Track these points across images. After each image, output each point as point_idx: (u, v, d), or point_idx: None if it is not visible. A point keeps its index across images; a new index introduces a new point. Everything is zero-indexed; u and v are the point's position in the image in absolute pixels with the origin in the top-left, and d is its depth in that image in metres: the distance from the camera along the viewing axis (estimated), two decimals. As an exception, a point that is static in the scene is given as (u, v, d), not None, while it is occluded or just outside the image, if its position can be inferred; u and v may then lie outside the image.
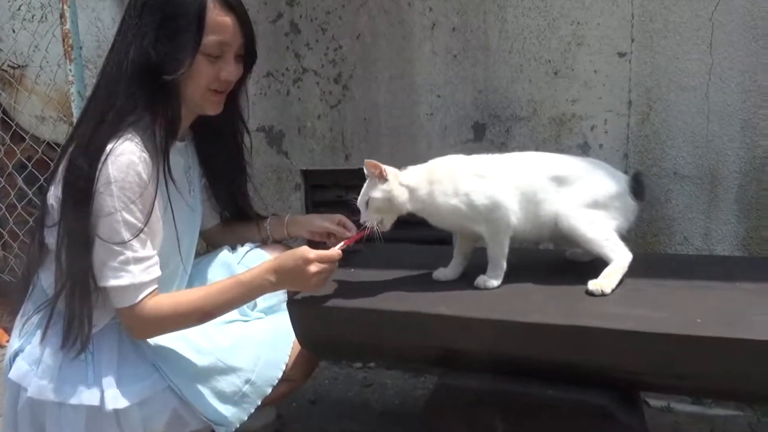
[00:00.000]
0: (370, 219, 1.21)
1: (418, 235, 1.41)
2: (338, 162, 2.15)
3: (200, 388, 1.23)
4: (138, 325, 1.18)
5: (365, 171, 1.23)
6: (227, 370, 1.25)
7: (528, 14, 1.84)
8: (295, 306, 1.25)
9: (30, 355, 1.19)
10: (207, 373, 1.23)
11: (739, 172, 1.72)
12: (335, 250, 1.20)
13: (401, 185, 1.21)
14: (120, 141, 1.11)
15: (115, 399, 1.15)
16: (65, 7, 1.85)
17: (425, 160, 1.30)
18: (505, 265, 1.23)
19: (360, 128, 2.10)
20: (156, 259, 1.18)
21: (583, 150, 1.85)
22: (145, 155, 1.14)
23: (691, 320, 1.01)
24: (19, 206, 2.56)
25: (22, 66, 2.58)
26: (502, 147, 1.92)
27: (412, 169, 1.25)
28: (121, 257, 1.12)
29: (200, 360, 1.23)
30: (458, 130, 1.98)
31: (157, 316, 1.16)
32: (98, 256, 1.12)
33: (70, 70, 1.89)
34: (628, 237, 1.24)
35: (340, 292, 1.27)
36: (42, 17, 2.51)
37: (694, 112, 1.73)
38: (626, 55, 1.77)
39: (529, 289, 1.22)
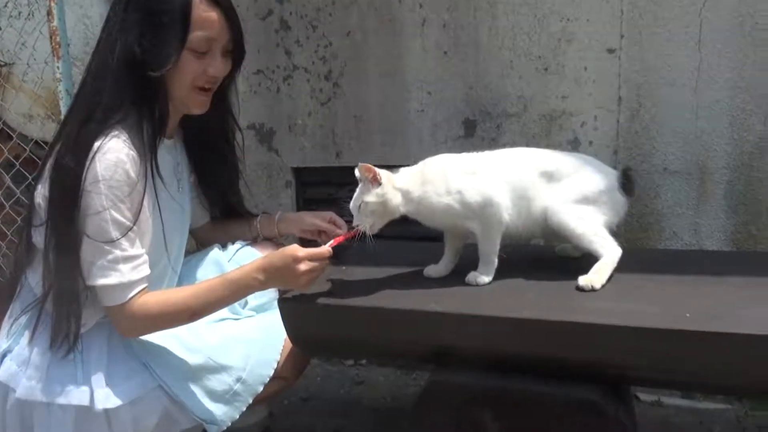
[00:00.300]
0: (363, 222, 1.20)
1: (409, 232, 1.41)
2: (329, 159, 2.14)
3: (191, 386, 1.22)
4: (127, 324, 1.17)
5: (357, 174, 1.22)
6: (218, 369, 1.24)
7: (518, 10, 1.85)
8: (286, 304, 1.24)
9: (18, 356, 1.18)
10: (198, 372, 1.23)
11: (728, 168, 1.73)
12: (325, 248, 1.19)
13: (395, 188, 1.21)
14: (107, 138, 1.10)
15: (104, 398, 1.15)
16: (52, 3, 1.82)
17: (416, 157, 1.29)
18: (496, 261, 1.23)
19: (351, 125, 2.09)
20: (145, 257, 1.17)
21: (573, 146, 1.85)
22: (133, 153, 1.13)
23: (680, 315, 1.01)
24: (6, 205, 2.53)
25: (9, 64, 2.55)
26: (493, 143, 1.92)
27: (404, 172, 1.25)
28: (110, 256, 1.11)
29: (191, 359, 1.23)
30: (449, 127, 1.98)
31: (146, 314, 1.15)
32: (86, 255, 1.11)
33: (58, 67, 1.86)
34: (617, 232, 1.25)
35: (331, 289, 1.26)
36: (29, 14, 2.48)
37: (683, 108, 1.74)
38: (616, 52, 1.78)
39: (520, 285, 1.22)
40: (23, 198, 2.48)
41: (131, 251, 1.14)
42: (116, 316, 1.16)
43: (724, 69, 1.69)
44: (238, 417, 1.25)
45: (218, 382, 1.24)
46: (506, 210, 1.21)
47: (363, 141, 2.09)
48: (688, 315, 1.01)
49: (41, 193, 1.16)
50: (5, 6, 2.52)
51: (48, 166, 1.16)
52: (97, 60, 1.18)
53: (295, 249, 1.15)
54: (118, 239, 1.11)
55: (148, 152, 1.16)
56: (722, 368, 0.99)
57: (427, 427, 1.18)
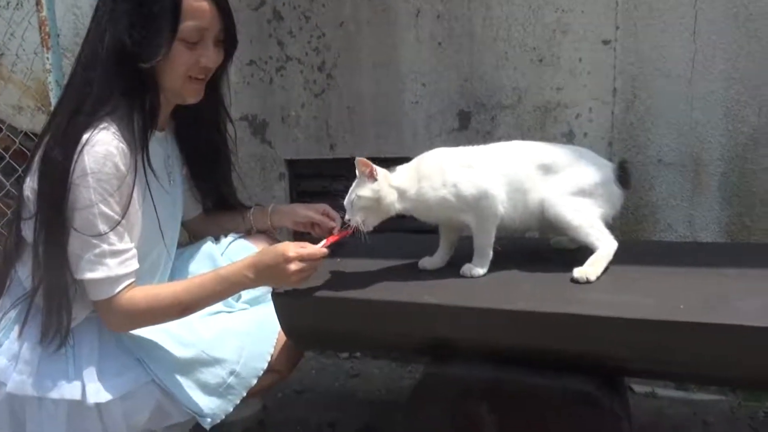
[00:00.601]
0: (354, 217, 1.19)
1: (404, 225, 1.41)
2: (323, 152, 2.13)
3: (184, 380, 1.21)
4: (115, 318, 1.16)
5: (356, 170, 1.21)
6: (211, 362, 1.23)
7: (513, 1, 1.83)
8: (280, 297, 1.23)
9: (8, 351, 1.17)
10: (191, 365, 1.22)
11: (722, 160, 1.73)
12: (318, 248, 1.17)
13: (390, 186, 1.20)
14: (96, 131, 1.09)
15: (96, 393, 1.14)
16: (41, -7, 1.80)
17: (410, 149, 1.29)
18: (491, 253, 1.23)
19: (344, 117, 2.08)
20: (133, 252, 1.16)
21: (567, 138, 1.85)
22: (123, 145, 1.12)
23: (675, 306, 1.01)
24: (-4, 198, 2.51)
25: (-2, 54, 2.52)
26: (488, 136, 1.91)
27: (400, 170, 1.24)
28: (98, 250, 1.10)
29: (184, 352, 1.22)
30: (443, 119, 1.97)
31: (134, 309, 1.14)
32: (74, 249, 1.10)
33: (48, 58, 1.84)
34: (612, 224, 1.25)
35: (326, 282, 1.26)
36: (18, 4, 2.44)
37: (678, 100, 1.74)
38: (611, 43, 1.77)
39: (515, 277, 1.22)
40: (13, 190, 2.45)
41: (119, 245, 1.12)
42: (104, 310, 1.15)
43: (718, 60, 1.69)
44: (231, 410, 1.25)
45: (212, 375, 1.23)
46: (501, 203, 1.20)
47: (357, 133, 2.07)
48: (682, 306, 1.01)
49: (30, 185, 1.14)
50: (-7, -5, 2.49)
51: (37, 158, 1.14)
52: (86, 50, 1.17)
53: (286, 248, 1.13)
54: (107, 233, 1.10)
55: (138, 144, 1.15)
56: (716, 359, 1.00)
57: (422, 420, 1.18)
